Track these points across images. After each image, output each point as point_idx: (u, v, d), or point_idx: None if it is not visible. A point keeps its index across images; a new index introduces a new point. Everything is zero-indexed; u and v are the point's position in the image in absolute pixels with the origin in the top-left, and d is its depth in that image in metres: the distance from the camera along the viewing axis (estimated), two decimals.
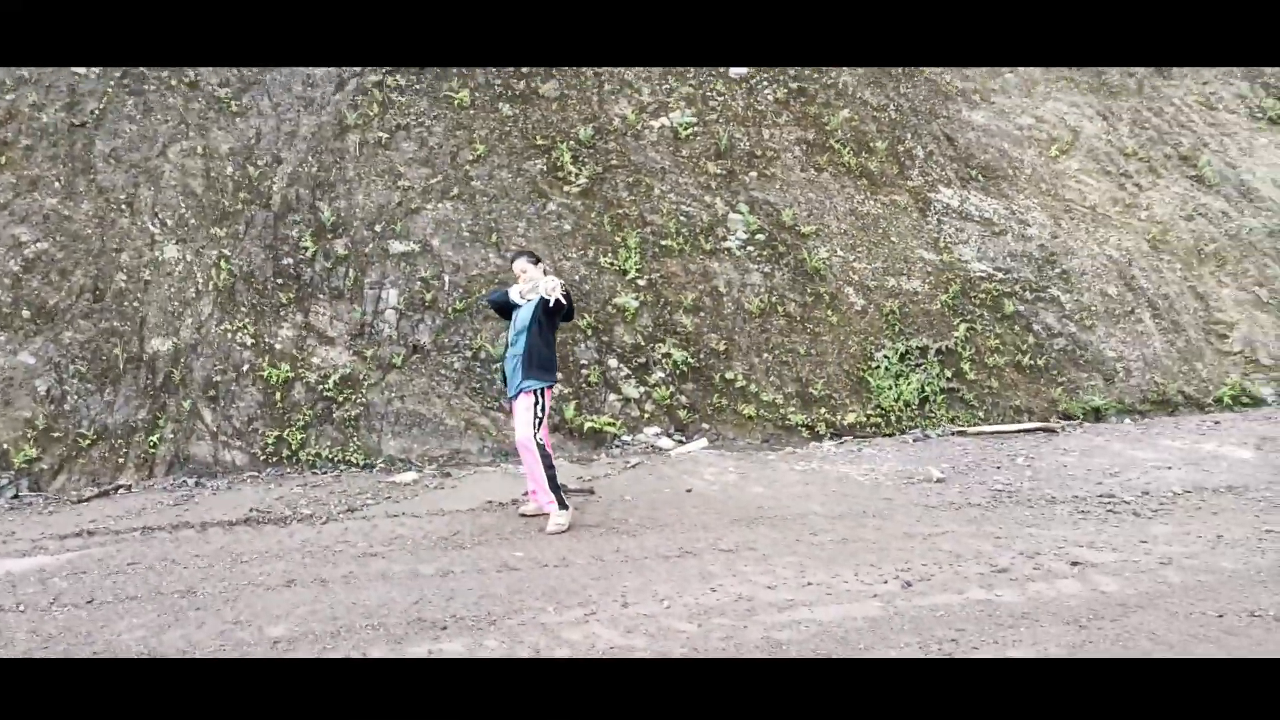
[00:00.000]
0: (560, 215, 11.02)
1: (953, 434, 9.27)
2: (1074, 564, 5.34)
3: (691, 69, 12.83)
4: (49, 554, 6.39)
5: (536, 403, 6.72)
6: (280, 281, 10.04)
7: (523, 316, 6.99)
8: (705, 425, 9.83)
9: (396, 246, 10.42)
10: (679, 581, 5.27)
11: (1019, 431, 9.15)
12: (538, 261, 7.23)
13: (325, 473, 8.78)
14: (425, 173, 11.11)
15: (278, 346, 9.65)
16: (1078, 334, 11.06)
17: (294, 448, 9.09)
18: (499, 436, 9.44)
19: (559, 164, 11.41)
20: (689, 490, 7.44)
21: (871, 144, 12.51)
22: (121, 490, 8.17)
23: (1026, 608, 4.73)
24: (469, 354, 9.87)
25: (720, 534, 6.21)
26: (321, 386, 9.44)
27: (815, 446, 9.09)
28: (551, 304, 6.63)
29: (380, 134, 11.34)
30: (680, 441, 9.51)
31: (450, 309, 10.09)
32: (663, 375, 10.01)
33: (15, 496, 8.39)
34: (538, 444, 6.62)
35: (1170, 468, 7.40)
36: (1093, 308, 11.32)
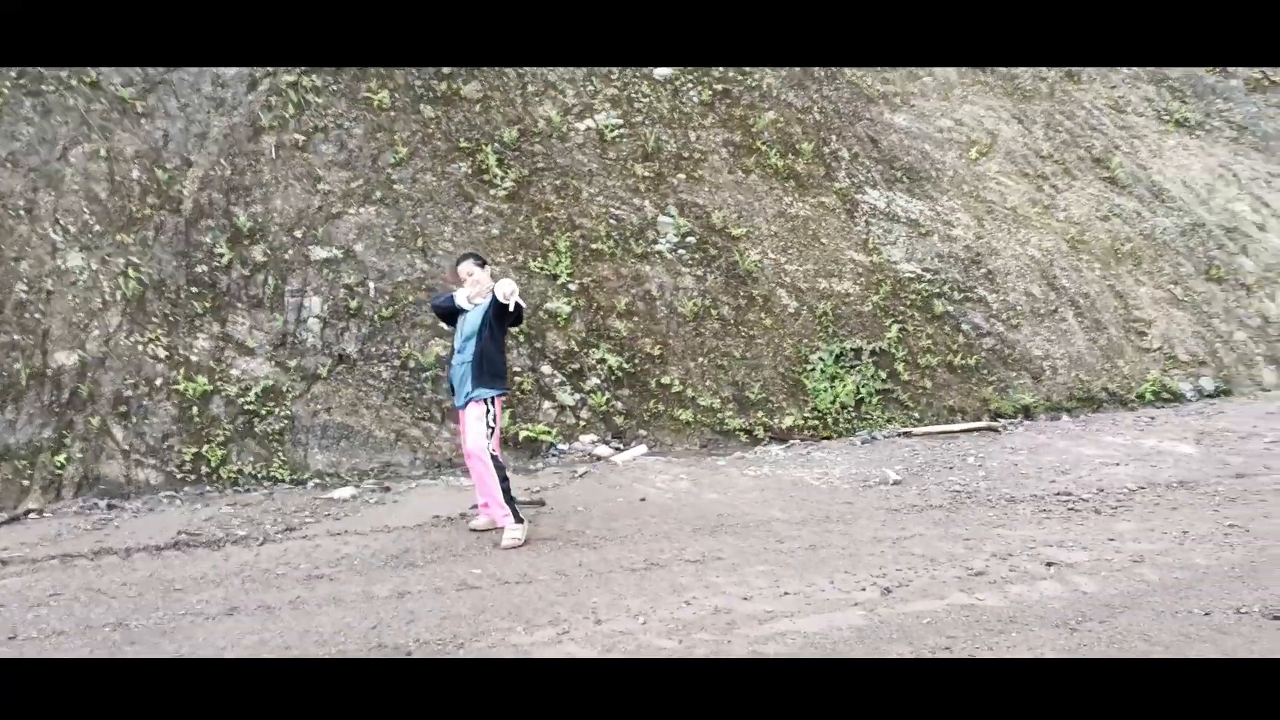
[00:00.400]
0: (488, 219, 10.72)
1: (899, 435, 9.23)
2: (1049, 564, 5.28)
3: (615, 70, 12.65)
4: None
5: (488, 411, 6.44)
6: (194, 290, 9.54)
7: (471, 321, 6.70)
8: (642, 431, 9.64)
9: (318, 253, 10.01)
10: (650, 595, 5.06)
11: (963, 431, 9.16)
12: (484, 264, 6.94)
13: (252, 490, 8.35)
14: (345, 176, 10.71)
15: (193, 358, 9.16)
16: (1005, 333, 11.17)
17: (214, 464, 8.63)
18: (432, 448, 9.12)
19: (484, 167, 11.12)
20: (643, 499, 7.23)
21: (797, 146, 12.48)
22: (31, 515, 7.63)
23: (1012, 612, 4.64)
24: (397, 363, 9.51)
25: (683, 544, 6.02)
26: (242, 399, 8.99)
27: (764, 451, 8.97)
28: (510, 307, 6.35)
29: (297, 136, 10.90)
30: (618, 449, 9.30)
31: (376, 317, 9.72)
32: (598, 381, 9.79)
33: None
34: (490, 455, 6.34)
35: (1119, 464, 7.45)
36: (1018, 307, 11.45)
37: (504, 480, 6.30)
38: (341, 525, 6.80)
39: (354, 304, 9.71)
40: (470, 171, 11.10)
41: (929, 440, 8.89)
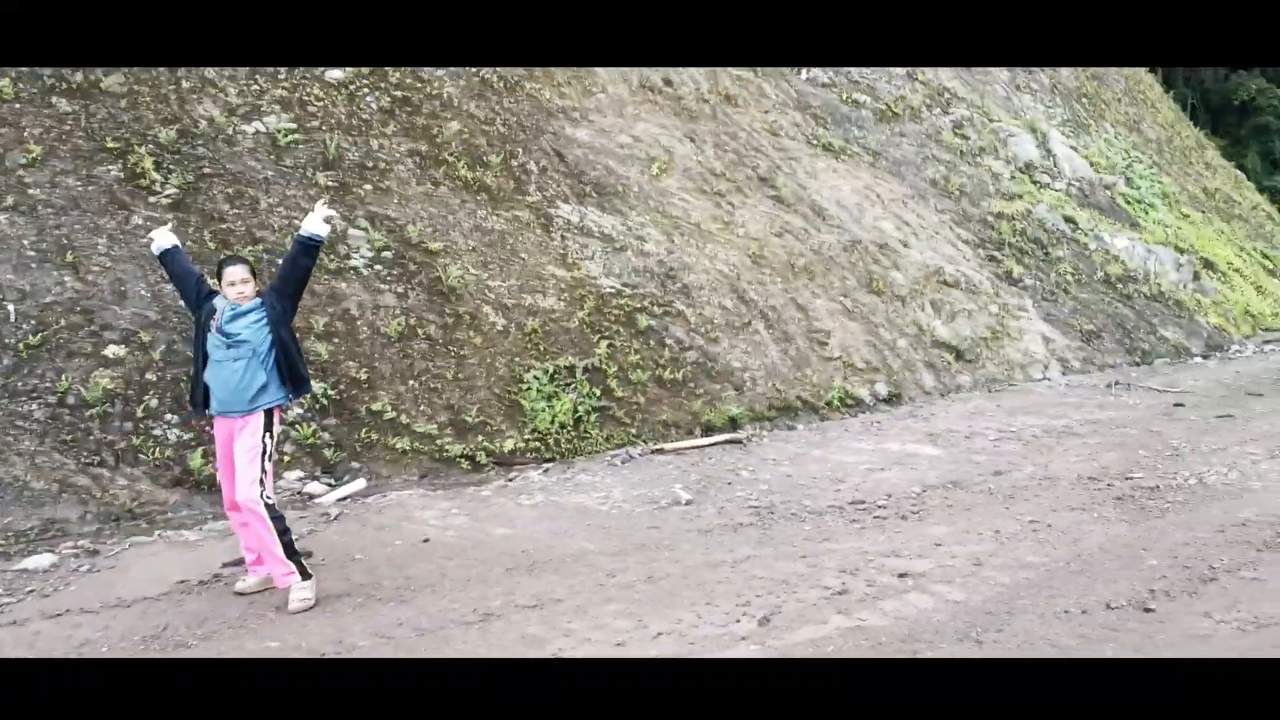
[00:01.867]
0: (150, 230, 9.26)
1: (652, 453, 8.95)
2: (900, 576, 5.17)
3: (282, 70, 11.50)
4: None
5: (269, 428, 5.42)
6: None
7: (247, 309, 5.83)
8: (355, 464, 8.70)
9: None
10: (505, 652, 4.35)
11: (710, 445, 9.05)
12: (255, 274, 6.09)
13: None
14: None
15: None
16: (706, 346, 11.28)
17: None
18: (106, 498, 7.66)
19: (139, 170, 9.65)
20: (426, 540, 6.38)
21: (485, 158, 11.97)
22: None
23: (903, 630, 4.45)
24: (53, 399, 7.93)
25: (506, 588, 5.31)
26: None
27: (525, 479, 8.33)
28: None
29: None
30: (331, 484, 8.33)
31: (21, 345, 8.06)
32: (301, 411, 8.73)
33: None
34: (265, 503, 5.28)
35: (883, 469, 7.62)
36: (714, 320, 11.62)
37: (284, 530, 5.27)
38: (57, 603, 5.38)
39: None
40: (122, 176, 9.59)
41: (680, 456, 8.70)
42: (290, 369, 5.83)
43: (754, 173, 14.28)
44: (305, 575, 5.38)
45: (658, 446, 9.16)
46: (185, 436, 8.15)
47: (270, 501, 5.38)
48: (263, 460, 5.48)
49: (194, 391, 6.03)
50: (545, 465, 8.84)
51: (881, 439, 8.85)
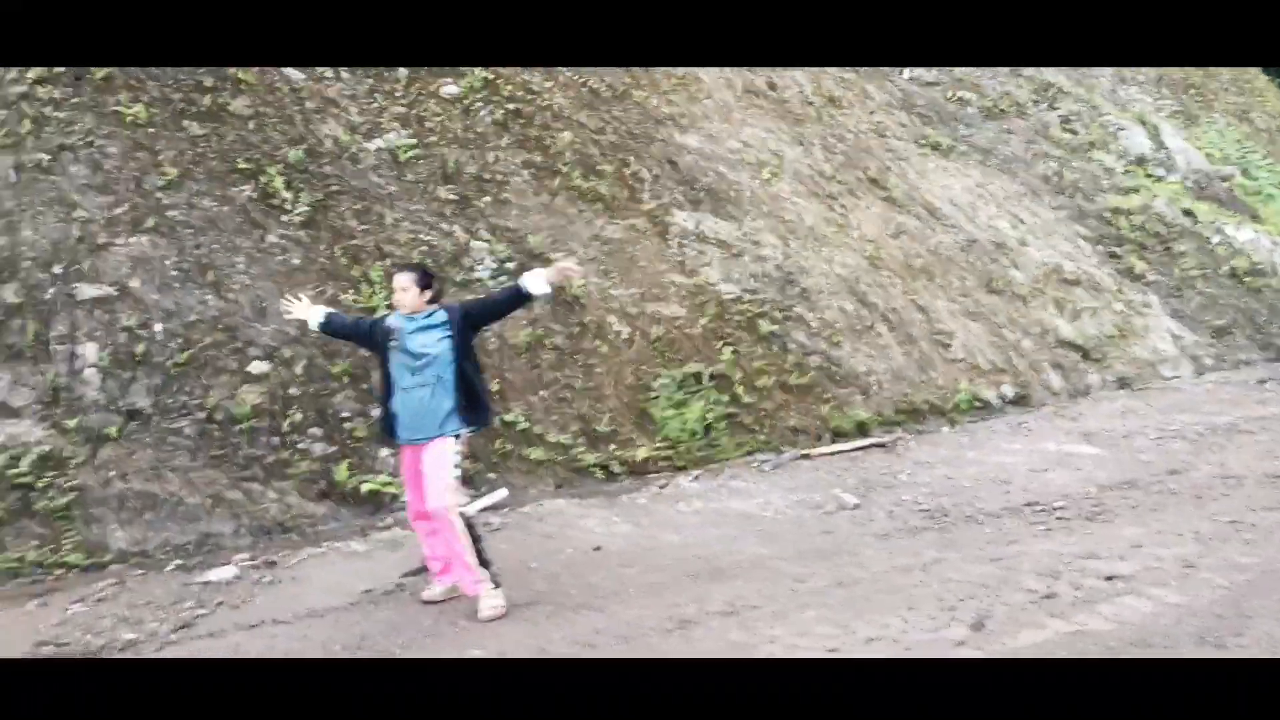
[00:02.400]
0: (285, 248, 9.44)
1: (799, 458, 8.84)
2: (1108, 579, 4.99)
3: (400, 87, 11.63)
4: None
5: (456, 451, 5.41)
6: None
7: (425, 340, 5.73)
8: (491, 475, 8.71)
9: (86, 290, 8.39)
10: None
11: (856, 449, 8.92)
12: (430, 284, 6.00)
13: (40, 581, 6.71)
14: (106, 201, 9.08)
15: None
16: (829, 350, 11.12)
17: None
18: (257, 512, 7.77)
19: (271, 190, 9.80)
20: (597, 548, 6.35)
21: (598, 167, 11.97)
22: None
23: (1130, 634, 4.28)
24: (202, 415, 8.08)
25: (694, 595, 5.23)
26: (12, 471, 7.28)
27: (677, 486, 8.27)
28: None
29: (40, 156, 9.15)
30: (472, 495, 8.32)
31: (169, 364, 8.23)
32: None
33: None
34: (457, 510, 5.27)
35: (1046, 470, 7.42)
36: (836, 324, 11.45)
37: (476, 538, 5.26)
38: (250, 615, 5.46)
39: (139, 349, 8.18)
40: (255, 195, 9.76)
41: (829, 461, 8.57)
42: (472, 396, 5.77)
43: (864, 174, 14.07)
44: (495, 583, 5.35)
45: (803, 452, 9.03)
46: (330, 450, 8.23)
47: (462, 508, 5.36)
48: (451, 469, 5.47)
49: (384, 421, 6.02)
50: (695, 473, 8.75)
51: (1034, 440, 8.61)
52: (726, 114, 14.06)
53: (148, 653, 5.10)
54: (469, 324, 5.88)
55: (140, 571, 6.65)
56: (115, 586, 6.37)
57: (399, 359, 5.75)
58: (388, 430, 5.97)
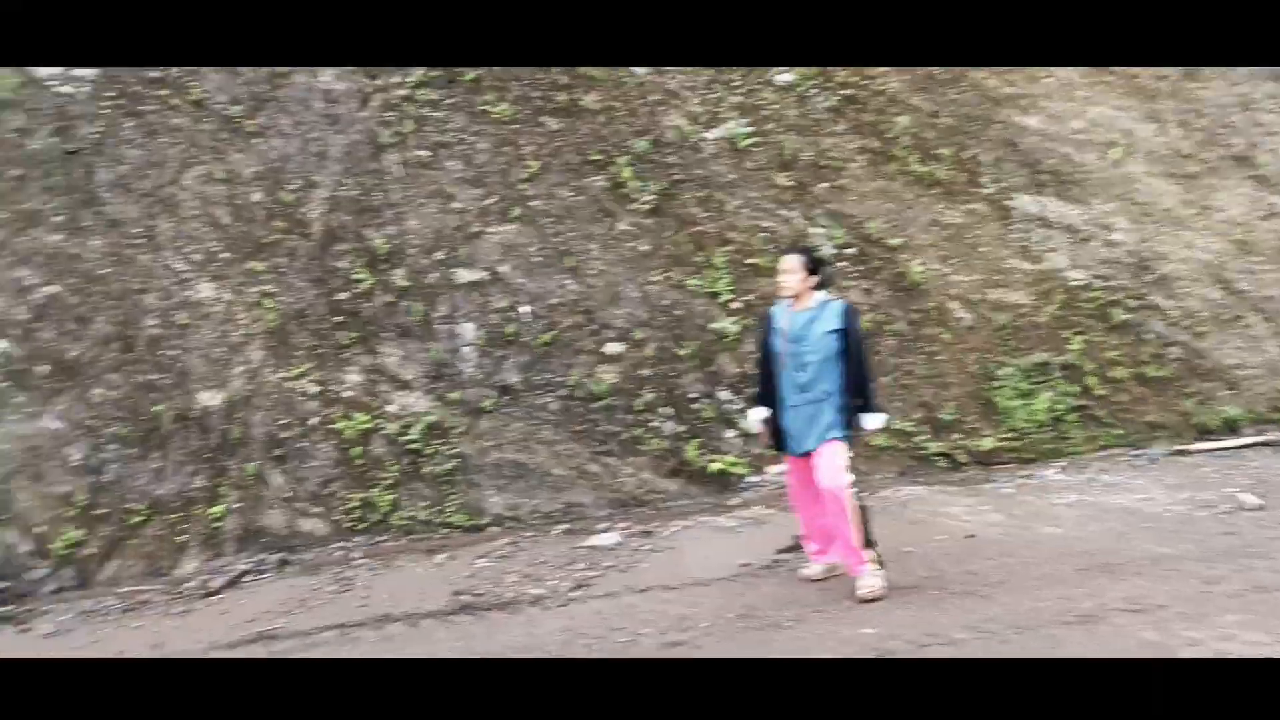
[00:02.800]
0: (634, 235, 9.87)
1: (1173, 453, 8.36)
2: None
3: (738, 77, 11.86)
4: None
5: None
6: (337, 320, 8.65)
7: (813, 343, 5.54)
8: None
9: (463, 275, 9.14)
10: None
11: (1241, 447, 8.31)
12: (817, 270, 5.76)
13: (428, 537, 7.41)
14: (478, 193, 9.86)
15: (346, 394, 8.25)
16: (1191, 342, 10.33)
17: (383, 511, 7.70)
18: (614, 485, 8.20)
19: (620, 180, 10.28)
20: (971, 536, 6.30)
21: (935, 152, 11.69)
22: (249, 577, 6.68)
23: None
24: (564, 392, 8.62)
25: (1088, 590, 5.03)
26: (404, 438, 8.08)
27: (1041, 477, 8.06)
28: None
29: (420, 153, 10.06)
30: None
31: (535, 343, 8.82)
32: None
33: (57, 590, 6.82)
34: (849, 489, 5.32)
35: None
36: (1198, 313, 10.62)
37: (865, 520, 5.32)
38: (637, 580, 5.84)
39: (510, 329, 8.82)
40: (607, 185, 10.27)
41: (1210, 458, 8.03)
42: (863, 396, 5.56)
43: (1228, 152, 12.93)
44: (879, 564, 5.38)
45: (1179, 447, 8.47)
46: (680, 429, 8.54)
47: (854, 489, 5.37)
48: (845, 455, 5.44)
49: (775, 435, 5.80)
50: (1061, 464, 8.43)
51: None
52: (1070, 93, 13.33)
53: (553, 607, 5.54)
54: (855, 336, 5.61)
55: (530, 533, 7.22)
56: (510, 545, 6.94)
57: (786, 367, 5.61)
58: (778, 444, 5.78)
